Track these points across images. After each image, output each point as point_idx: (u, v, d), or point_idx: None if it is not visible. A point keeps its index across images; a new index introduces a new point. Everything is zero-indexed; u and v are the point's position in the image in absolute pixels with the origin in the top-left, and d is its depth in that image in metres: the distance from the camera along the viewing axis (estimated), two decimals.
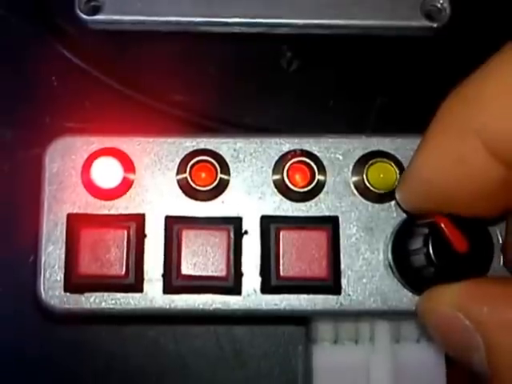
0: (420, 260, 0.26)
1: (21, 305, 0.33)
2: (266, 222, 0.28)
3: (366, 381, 0.31)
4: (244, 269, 0.28)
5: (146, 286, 0.27)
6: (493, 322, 0.22)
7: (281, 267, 0.27)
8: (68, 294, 0.27)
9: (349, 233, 0.28)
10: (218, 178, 0.28)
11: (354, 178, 0.28)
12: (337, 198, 0.28)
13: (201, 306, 0.27)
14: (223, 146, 0.28)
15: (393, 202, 0.28)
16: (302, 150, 0.28)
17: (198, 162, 0.28)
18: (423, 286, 0.25)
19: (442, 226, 0.25)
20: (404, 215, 0.28)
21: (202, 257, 0.27)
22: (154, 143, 0.28)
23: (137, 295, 0.27)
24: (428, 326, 0.24)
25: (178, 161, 0.28)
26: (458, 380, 0.32)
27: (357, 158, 0.28)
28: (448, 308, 0.23)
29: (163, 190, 0.28)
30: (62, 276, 0.27)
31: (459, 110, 0.23)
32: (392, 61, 0.36)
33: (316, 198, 0.28)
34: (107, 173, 0.28)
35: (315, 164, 0.28)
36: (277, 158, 0.28)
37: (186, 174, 0.28)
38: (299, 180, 0.28)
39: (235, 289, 0.27)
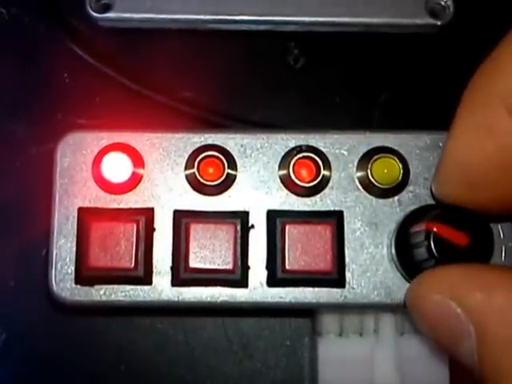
0: (422, 256, 0.26)
1: (33, 298, 0.33)
2: (272, 216, 0.28)
3: (370, 373, 0.31)
4: (250, 262, 0.28)
5: (154, 278, 0.28)
6: (487, 310, 0.21)
7: (286, 261, 0.28)
8: (78, 286, 0.28)
9: (353, 227, 0.28)
10: (226, 173, 0.28)
11: (359, 174, 0.28)
12: (341, 193, 0.28)
13: (208, 299, 0.28)
14: (230, 141, 0.29)
15: (396, 197, 0.28)
16: (307, 146, 0.28)
17: (205, 157, 0.28)
18: None
19: (435, 230, 0.25)
20: (407, 210, 0.28)
21: (209, 250, 0.28)
22: (162, 139, 0.29)
23: (146, 288, 0.28)
24: (416, 314, 0.24)
25: (186, 156, 0.28)
26: (462, 373, 0.32)
27: (361, 153, 0.28)
28: (439, 295, 0.22)
29: (172, 184, 0.28)
30: (73, 269, 0.28)
31: (481, 85, 0.23)
32: (396, 58, 0.36)
33: (321, 193, 0.28)
34: (117, 167, 0.28)
35: (320, 159, 0.28)
36: (283, 153, 0.29)
37: (194, 169, 0.28)
38: (305, 175, 0.28)
39: (242, 282, 0.28)
